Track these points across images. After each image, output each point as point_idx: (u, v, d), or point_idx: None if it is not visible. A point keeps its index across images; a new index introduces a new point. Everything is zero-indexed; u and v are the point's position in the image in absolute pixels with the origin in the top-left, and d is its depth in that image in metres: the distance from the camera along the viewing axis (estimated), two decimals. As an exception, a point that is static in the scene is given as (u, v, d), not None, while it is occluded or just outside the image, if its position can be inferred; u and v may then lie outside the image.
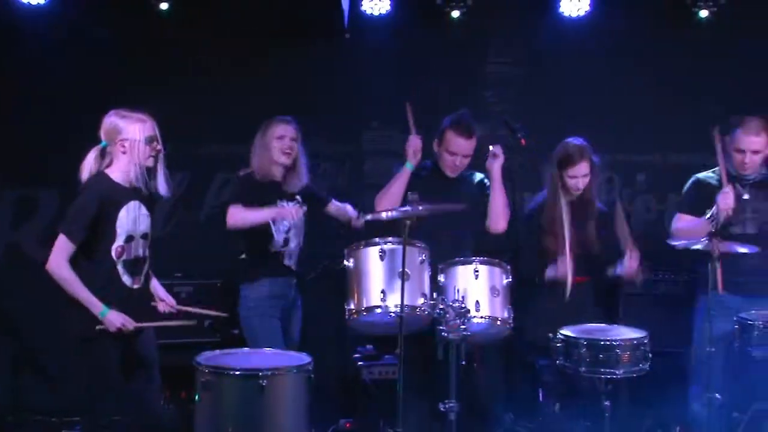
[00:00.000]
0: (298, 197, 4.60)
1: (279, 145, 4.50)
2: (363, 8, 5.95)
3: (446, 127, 4.60)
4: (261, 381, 3.51)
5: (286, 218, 4.42)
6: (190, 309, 4.13)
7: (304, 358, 3.76)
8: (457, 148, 4.56)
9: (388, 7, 5.96)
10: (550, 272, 4.56)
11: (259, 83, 5.87)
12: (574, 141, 4.60)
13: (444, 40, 6.14)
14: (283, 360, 3.79)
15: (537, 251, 4.61)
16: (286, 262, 4.54)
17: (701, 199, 4.60)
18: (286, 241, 4.52)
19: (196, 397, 3.67)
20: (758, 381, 4.41)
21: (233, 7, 5.88)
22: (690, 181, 4.79)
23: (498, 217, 4.57)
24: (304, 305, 4.74)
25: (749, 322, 4.12)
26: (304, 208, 4.56)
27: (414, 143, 4.57)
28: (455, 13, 5.97)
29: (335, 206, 4.80)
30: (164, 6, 5.74)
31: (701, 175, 4.71)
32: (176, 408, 4.98)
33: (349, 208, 4.76)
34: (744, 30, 5.94)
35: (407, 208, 3.91)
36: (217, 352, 3.91)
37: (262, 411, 3.54)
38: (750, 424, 4.81)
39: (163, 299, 4.11)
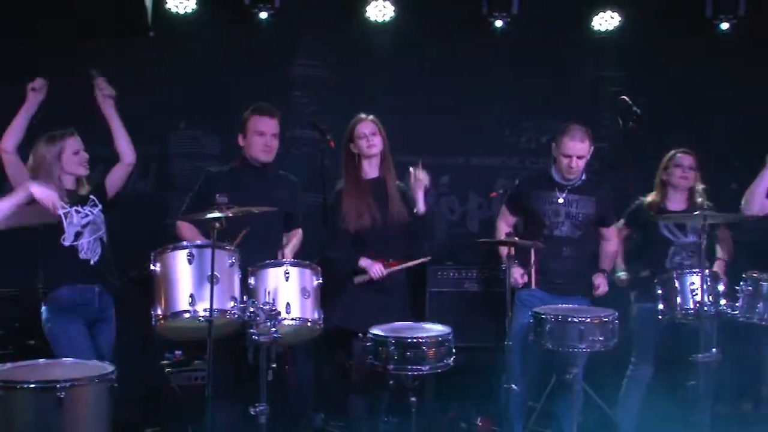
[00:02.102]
0: (92, 197, 4.44)
1: (77, 159, 4.39)
2: (168, 6, 5.80)
3: (248, 115, 4.63)
4: (59, 393, 3.30)
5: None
6: None
7: (107, 368, 3.60)
8: (264, 126, 4.59)
9: (194, 6, 5.85)
10: (362, 261, 4.63)
11: (55, 82, 5.57)
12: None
13: (252, 41, 6.10)
14: (84, 370, 3.59)
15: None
16: (82, 256, 4.33)
17: (520, 199, 4.87)
18: (78, 235, 4.33)
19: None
20: (550, 371, 4.71)
21: (28, 1, 5.55)
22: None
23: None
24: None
25: (542, 316, 4.35)
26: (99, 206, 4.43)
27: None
28: (263, 14, 5.95)
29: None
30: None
31: (532, 174, 5.03)
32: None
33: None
34: (537, 40, 6.32)
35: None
36: (9, 364, 3.65)
37: (60, 426, 3.33)
38: (542, 411, 5.13)
39: None
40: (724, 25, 6.25)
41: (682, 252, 4.87)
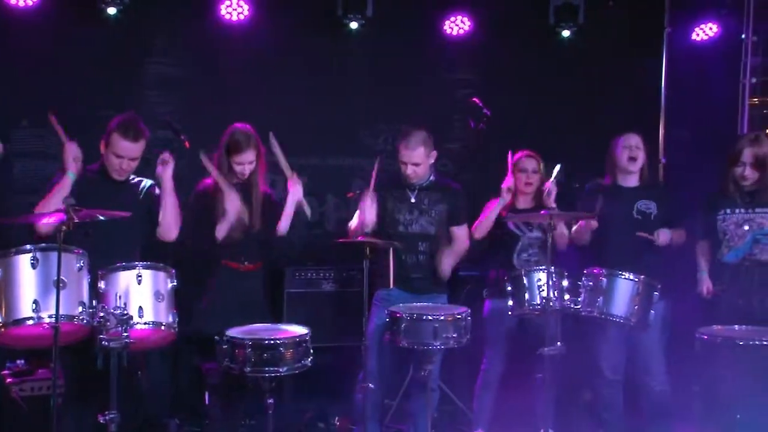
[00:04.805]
0: None
1: None
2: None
3: (113, 129, 4.42)
4: None
5: None
6: None
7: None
8: (124, 151, 4.40)
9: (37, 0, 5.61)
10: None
11: None
12: (243, 128, 4.65)
13: (102, 37, 5.90)
14: None
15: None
16: None
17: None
18: None
19: None
20: (405, 369, 4.80)
21: None
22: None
23: (169, 227, 4.50)
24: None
25: (398, 314, 4.43)
26: None
27: (71, 150, 4.29)
28: (111, 10, 5.77)
29: None
30: None
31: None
32: None
33: None
34: (391, 42, 6.43)
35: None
36: None
37: None
38: (398, 409, 5.22)
39: None
40: (566, 33, 6.61)
41: (528, 248, 5.06)
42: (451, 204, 4.89)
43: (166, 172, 4.46)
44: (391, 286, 4.65)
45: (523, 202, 5.16)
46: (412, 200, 4.84)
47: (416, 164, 4.76)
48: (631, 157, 4.91)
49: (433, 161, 4.86)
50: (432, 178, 4.90)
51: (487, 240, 5.11)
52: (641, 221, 4.86)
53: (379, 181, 4.97)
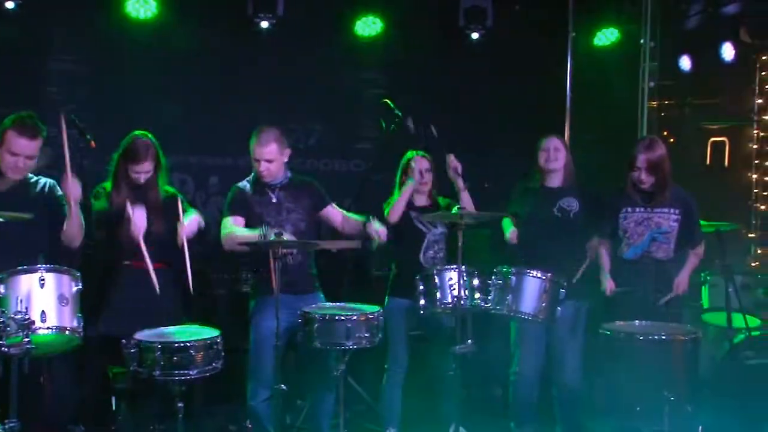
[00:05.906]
0: None
1: None
2: None
3: (8, 128, 4.27)
4: None
5: None
6: None
7: None
8: (20, 148, 4.27)
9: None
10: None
11: None
12: (142, 138, 4.57)
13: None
14: None
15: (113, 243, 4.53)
16: None
17: (242, 202, 4.81)
18: None
19: None
20: (318, 369, 4.79)
21: None
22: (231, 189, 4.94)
23: (73, 237, 4.40)
24: None
25: (310, 315, 4.42)
26: None
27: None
28: (9, 4, 5.60)
29: None
30: None
31: (240, 183, 4.91)
32: None
33: None
34: (302, 42, 6.42)
35: None
36: None
37: None
38: (311, 409, 5.21)
39: None
40: (474, 35, 6.73)
41: (434, 245, 5.13)
42: (311, 194, 4.90)
43: (76, 187, 4.33)
44: (275, 290, 4.56)
45: (420, 200, 5.23)
46: (274, 200, 4.79)
47: (269, 161, 4.72)
48: (547, 159, 5.00)
49: (287, 159, 4.82)
50: (288, 175, 4.88)
51: (392, 237, 5.15)
52: (561, 219, 4.96)
53: (239, 188, 4.87)
